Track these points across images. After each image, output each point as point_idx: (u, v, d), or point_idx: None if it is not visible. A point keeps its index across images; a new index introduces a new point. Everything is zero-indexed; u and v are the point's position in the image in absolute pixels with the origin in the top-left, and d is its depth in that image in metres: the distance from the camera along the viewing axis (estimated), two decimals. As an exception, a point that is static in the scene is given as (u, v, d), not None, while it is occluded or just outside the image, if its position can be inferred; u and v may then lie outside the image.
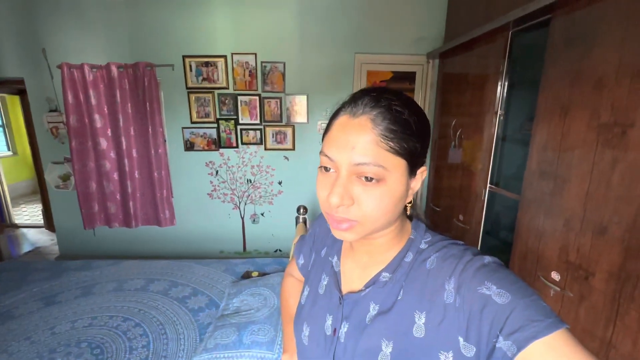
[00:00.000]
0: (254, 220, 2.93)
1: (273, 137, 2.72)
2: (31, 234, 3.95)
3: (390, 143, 0.43)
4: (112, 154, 2.65)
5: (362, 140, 0.43)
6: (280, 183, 2.84)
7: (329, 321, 0.56)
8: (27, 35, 2.49)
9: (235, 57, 2.56)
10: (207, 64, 2.57)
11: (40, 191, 3.85)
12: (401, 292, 0.49)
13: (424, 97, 2.66)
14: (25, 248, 3.51)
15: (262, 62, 2.57)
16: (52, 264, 2.17)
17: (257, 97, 2.63)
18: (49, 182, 2.74)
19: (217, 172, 2.81)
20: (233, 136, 2.72)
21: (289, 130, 2.70)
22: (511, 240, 1.60)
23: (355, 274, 0.57)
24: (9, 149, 5.66)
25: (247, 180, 2.83)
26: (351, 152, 0.43)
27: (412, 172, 0.47)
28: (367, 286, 0.53)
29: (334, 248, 0.63)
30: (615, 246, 1.05)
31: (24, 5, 2.45)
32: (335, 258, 0.62)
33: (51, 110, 2.63)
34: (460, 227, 2.12)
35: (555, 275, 1.30)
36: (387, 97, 0.45)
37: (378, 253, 0.53)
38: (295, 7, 2.49)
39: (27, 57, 2.53)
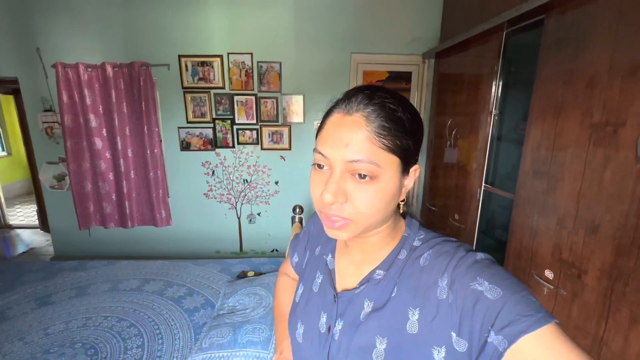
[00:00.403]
0: (250, 220, 2.92)
1: (269, 137, 2.72)
2: (26, 234, 3.92)
3: (384, 140, 0.43)
4: (108, 154, 2.63)
5: (356, 138, 0.43)
6: (276, 183, 2.84)
7: (324, 319, 0.56)
8: (21, 34, 2.47)
9: (232, 57, 2.56)
10: (203, 63, 2.56)
11: (35, 191, 3.82)
12: (395, 289, 0.49)
13: (420, 96, 2.68)
14: (20, 249, 3.48)
15: (258, 62, 2.57)
16: (47, 265, 2.16)
17: (253, 97, 2.63)
18: (43, 182, 2.71)
19: (213, 172, 2.80)
20: (229, 136, 2.71)
21: (285, 130, 2.70)
22: (506, 239, 1.61)
23: (349, 271, 0.57)
24: (3, 149, 5.60)
25: (244, 180, 2.83)
26: (345, 149, 0.44)
27: (405, 170, 0.47)
28: (361, 284, 0.53)
29: (328, 246, 0.64)
30: (607, 244, 1.06)
31: (17, 4, 2.42)
32: (330, 256, 0.62)
33: (46, 110, 2.61)
34: (456, 226, 2.13)
35: (548, 274, 1.31)
36: (381, 95, 0.45)
37: (372, 251, 0.54)
38: (292, 6, 2.50)
39: (21, 56, 2.50)
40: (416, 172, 0.50)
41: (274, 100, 2.64)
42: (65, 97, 2.45)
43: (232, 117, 2.67)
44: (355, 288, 0.53)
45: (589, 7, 1.15)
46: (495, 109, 1.79)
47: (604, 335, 1.08)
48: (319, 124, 0.51)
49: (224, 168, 2.79)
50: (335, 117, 0.47)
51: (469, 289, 0.41)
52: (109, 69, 2.45)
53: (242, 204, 2.88)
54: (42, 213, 3.75)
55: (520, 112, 1.68)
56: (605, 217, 1.07)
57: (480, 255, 0.45)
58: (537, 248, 1.38)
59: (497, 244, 1.90)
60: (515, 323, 0.36)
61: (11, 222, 4.27)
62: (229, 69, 2.58)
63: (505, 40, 1.68)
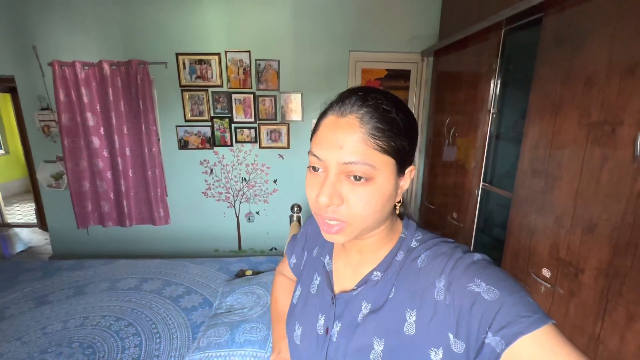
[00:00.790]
0: (249, 219, 2.92)
1: (268, 135, 2.71)
2: (24, 233, 3.91)
3: (379, 142, 0.43)
4: (105, 153, 2.62)
5: (351, 139, 0.43)
6: (275, 181, 2.84)
7: (321, 320, 0.56)
8: (17, 32, 2.45)
9: (229, 55, 2.54)
10: (200, 61, 2.55)
11: (33, 190, 3.81)
12: (392, 290, 0.49)
13: (419, 95, 2.67)
14: (18, 248, 3.48)
15: (256, 60, 2.56)
16: (45, 264, 2.15)
17: (251, 96, 2.62)
18: (41, 181, 2.70)
19: (211, 170, 2.79)
20: (227, 134, 2.70)
21: (283, 129, 2.69)
22: (504, 237, 1.61)
23: (347, 273, 0.57)
24: (1, 148, 5.58)
25: (242, 179, 2.82)
26: (339, 151, 0.43)
27: (400, 171, 0.47)
28: (359, 285, 0.53)
29: (325, 247, 0.64)
30: (604, 243, 1.06)
31: (13, 2, 2.40)
32: (327, 257, 0.62)
33: (42, 109, 2.59)
34: (454, 224, 2.14)
35: (546, 272, 1.32)
36: (374, 96, 0.45)
37: (369, 252, 0.54)
38: (290, 4, 2.48)
39: (18, 54, 2.48)
40: (412, 172, 0.50)
41: (272, 99, 2.63)
42: (62, 96, 2.43)
43: (230, 115, 2.66)
44: (353, 290, 0.53)
45: (588, 6, 1.15)
46: (493, 108, 1.79)
47: (601, 333, 1.09)
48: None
49: (222, 166, 2.79)
50: (330, 119, 0.46)
51: (466, 290, 0.41)
52: (106, 67, 2.43)
53: (240, 202, 2.88)
54: (40, 212, 3.74)
55: (518, 110, 1.68)
56: (602, 216, 1.07)
57: (477, 256, 0.45)
58: (534, 247, 1.39)
59: (495, 243, 1.90)
60: (513, 324, 0.36)
61: (9, 221, 4.26)
62: (226, 67, 2.57)
63: (503, 39, 1.68)
